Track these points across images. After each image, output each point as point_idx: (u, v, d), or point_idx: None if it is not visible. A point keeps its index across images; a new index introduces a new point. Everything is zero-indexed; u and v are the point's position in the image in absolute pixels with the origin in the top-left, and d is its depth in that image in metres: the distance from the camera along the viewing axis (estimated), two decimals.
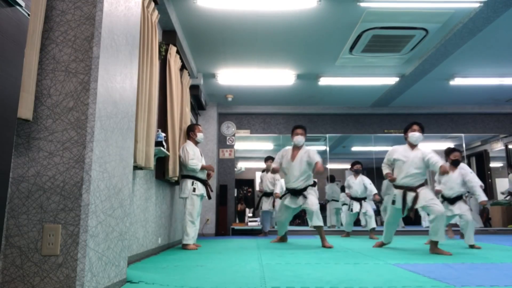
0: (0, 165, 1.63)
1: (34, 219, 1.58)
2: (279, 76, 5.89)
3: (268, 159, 6.58)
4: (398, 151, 4.03)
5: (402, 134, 4.17)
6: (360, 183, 6.08)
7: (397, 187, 3.99)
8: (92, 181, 1.62)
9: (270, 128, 7.68)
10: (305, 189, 4.52)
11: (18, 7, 1.82)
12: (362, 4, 3.84)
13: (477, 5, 3.81)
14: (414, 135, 3.95)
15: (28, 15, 1.57)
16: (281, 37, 4.65)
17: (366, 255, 3.50)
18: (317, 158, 4.43)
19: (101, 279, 1.71)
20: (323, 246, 4.30)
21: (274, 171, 4.81)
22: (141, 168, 3.09)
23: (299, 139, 4.60)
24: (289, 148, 4.71)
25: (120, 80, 1.97)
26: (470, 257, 3.35)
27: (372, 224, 5.96)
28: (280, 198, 5.01)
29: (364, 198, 6.09)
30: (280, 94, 6.83)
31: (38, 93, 1.67)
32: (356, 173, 6.16)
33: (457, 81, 6.03)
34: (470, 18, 4.03)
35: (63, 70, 1.70)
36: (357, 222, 9.11)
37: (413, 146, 3.99)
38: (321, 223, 4.40)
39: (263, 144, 8.68)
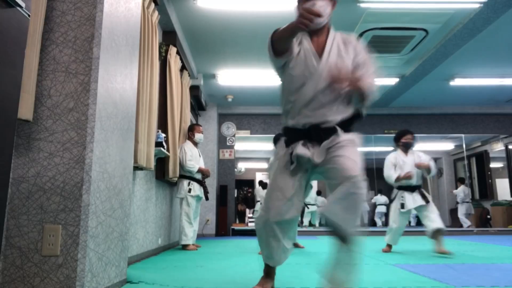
0: (0, 166, 1.63)
1: (34, 219, 1.58)
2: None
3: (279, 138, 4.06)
4: None
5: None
6: (414, 163, 3.85)
7: None
8: (92, 182, 1.63)
9: (270, 128, 7.67)
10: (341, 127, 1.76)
11: (18, 7, 1.83)
12: (362, 5, 3.85)
13: (477, 5, 3.81)
14: None
15: (29, 15, 1.58)
16: None
17: (367, 255, 3.50)
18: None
19: (101, 280, 1.71)
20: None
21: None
22: (141, 169, 3.09)
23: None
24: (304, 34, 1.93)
25: (120, 80, 1.97)
26: (470, 257, 3.35)
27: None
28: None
29: (419, 187, 3.88)
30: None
31: (38, 93, 1.67)
32: (406, 148, 3.96)
33: (457, 82, 6.02)
34: (470, 19, 4.03)
35: (63, 70, 1.70)
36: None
37: None
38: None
39: (263, 145, 8.68)
